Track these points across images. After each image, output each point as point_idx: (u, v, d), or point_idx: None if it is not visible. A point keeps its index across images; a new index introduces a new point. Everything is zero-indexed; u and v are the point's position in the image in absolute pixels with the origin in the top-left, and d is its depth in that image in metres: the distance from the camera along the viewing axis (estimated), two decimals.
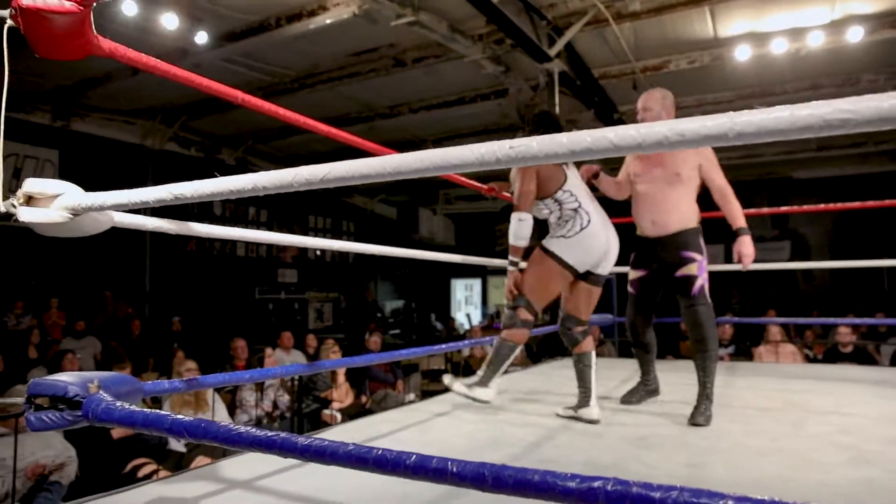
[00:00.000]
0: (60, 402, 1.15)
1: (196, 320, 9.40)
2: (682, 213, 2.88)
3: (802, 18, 6.31)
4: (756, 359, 6.55)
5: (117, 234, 1.89)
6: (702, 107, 8.48)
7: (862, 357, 6.57)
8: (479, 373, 2.97)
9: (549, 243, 2.87)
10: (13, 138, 8.20)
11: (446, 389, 3.15)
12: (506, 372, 3.04)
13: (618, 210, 3.34)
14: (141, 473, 3.45)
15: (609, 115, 8.40)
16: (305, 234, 12.62)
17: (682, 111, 8.42)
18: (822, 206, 5.36)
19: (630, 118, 8.85)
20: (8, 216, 1.23)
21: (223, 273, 10.95)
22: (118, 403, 1.13)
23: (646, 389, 3.25)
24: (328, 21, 5.93)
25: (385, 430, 2.73)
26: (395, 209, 14.82)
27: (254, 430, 0.95)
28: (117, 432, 3.76)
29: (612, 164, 4.36)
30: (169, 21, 5.64)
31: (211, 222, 2.11)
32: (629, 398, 3.21)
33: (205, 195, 1.06)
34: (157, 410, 1.09)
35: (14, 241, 7.84)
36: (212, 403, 4.16)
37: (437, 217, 14.75)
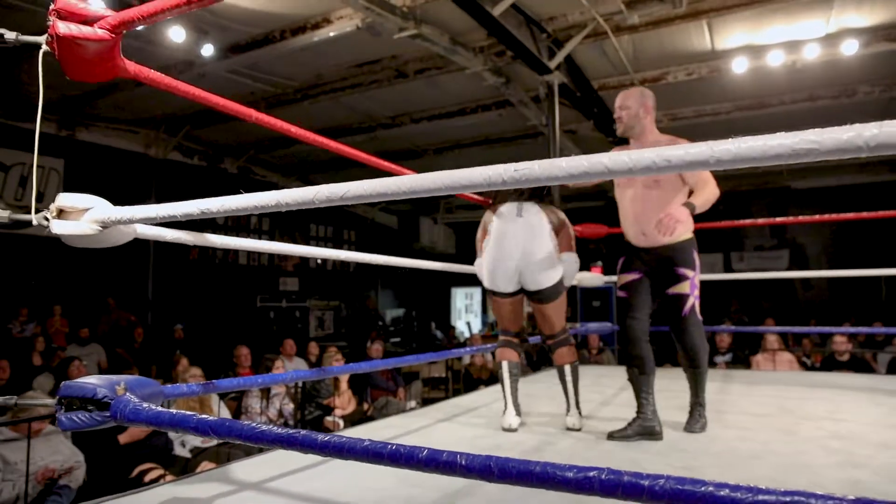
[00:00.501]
0: (90, 403, 1.23)
1: (198, 328, 9.46)
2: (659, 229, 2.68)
3: (798, 31, 6.41)
4: (753, 367, 6.61)
5: None
6: (700, 118, 8.58)
7: (858, 365, 6.63)
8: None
9: None
10: (20, 147, 8.29)
11: (446, 397, 3.24)
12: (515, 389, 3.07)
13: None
14: (147, 478, 3.51)
15: (608, 125, 8.49)
16: (307, 242, 12.70)
17: (680, 122, 8.54)
18: (819, 217, 5.43)
19: None
20: (40, 228, 1.31)
21: (225, 281, 11.02)
22: (144, 404, 1.20)
23: (642, 425, 2.69)
24: (332, 34, 6.03)
25: (387, 435, 2.80)
26: (396, 218, 14.90)
27: (275, 428, 1.02)
28: (124, 437, 3.83)
29: None
30: (176, 34, 5.74)
31: (213, 230, 2.19)
32: (622, 433, 2.69)
33: (230, 210, 1.14)
34: (182, 411, 1.16)
35: (17, 249, 7.92)
36: (217, 410, 4.22)
37: (438, 226, 14.84)
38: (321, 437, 0.95)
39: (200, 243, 1.66)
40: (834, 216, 5.16)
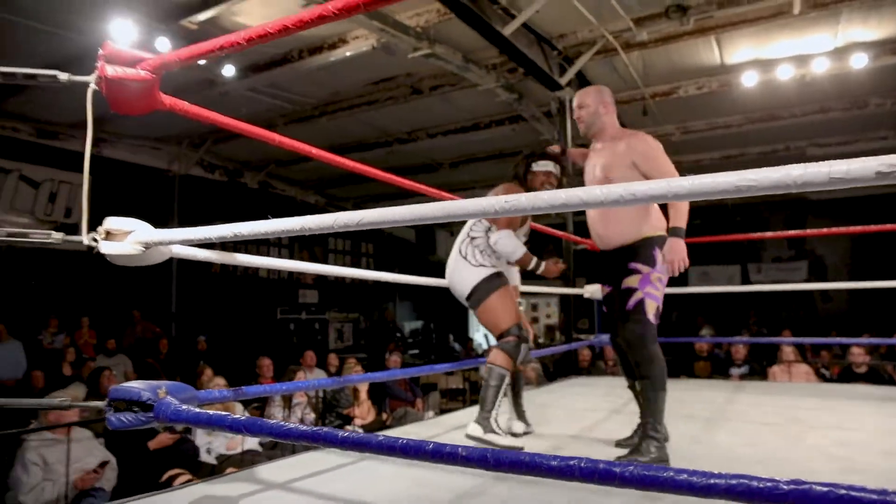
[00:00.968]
0: (135, 405, 1.37)
1: (220, 340, 9.67)
2: (625, 224, 2.53)
3: (806, 46, 6.48)
4: (770, 378, 6.64)
5: None
6: (713, 130, 8.65)
7: (877, 377, 6.62)
8: None
9: None
10: (50, 164, 8.60)
11: (464, 408, 3.32)
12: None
13: None
14: (176, 482, 3.67)
15: None
16: (326, 255, 12.90)
17: (693, 135, 8.62)
18: (838, 229, 5.45)
19: None
20: (90, 248, 1.47)
21: (246, 294, 11.24)
22: (184, 406, 1.34)
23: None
24: (348, 53, 6.23)
25: None
26: (414, 231, 15.06)
27: (299, 426, 1.15)
28: (153, 444, 3.99)
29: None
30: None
31: (235, 246, 2.33)
32: (629, 441, 2.71)
33: (259, 234, 1.28)
34: (223, 413, 1.30)
35: (46, 262, 8.17)
36: (242, 416, 4.37)
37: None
38: (340, 433, 1.08)
39: (229, 262, 1.80)
40: (853, 228, 5.19)
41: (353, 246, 13.88)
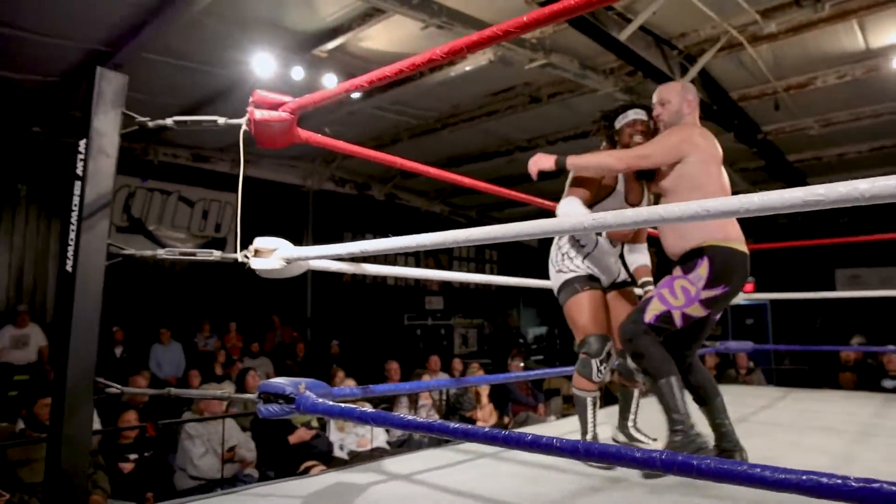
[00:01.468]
0: (280, 397, 1.60)
1: (352, 344, 10.24)
2: (676, 236, 2.35)
3: None
4: None
5: None
6: (859, 121, 7.98)
7: None
8: None
9: None
10: (202, 185, 9.59)
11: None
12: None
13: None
14: (312, 472, 4.02)
15: (752, 136, 8.18)
16: (450, 262, 13.25)
17: (835, 127, 8.03)
18: None
19: (774, 138, 8.54)
20: (243, 264, 1.73)
21: (375, 301, 11.82)
22: (320, 400, 1.55)
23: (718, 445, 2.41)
24: (467, 68, 6.45)
25: None
26: (537, 238, 15.06)
27: (417, 418, 1.31)
28: (293, 438, 4.39)
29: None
30: (329, 80, 6.44)
31: (364, 256, 2.52)
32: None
33: (381, 250, 1.47)
34: (351, 405, 1.49)
35: (200, 273, 9.08)
36: None
37: None
38: (452, 425, 1.23)
39: (359, 272, 2.02)
40: None
41: (478, 252, 14.14)
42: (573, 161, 2.36)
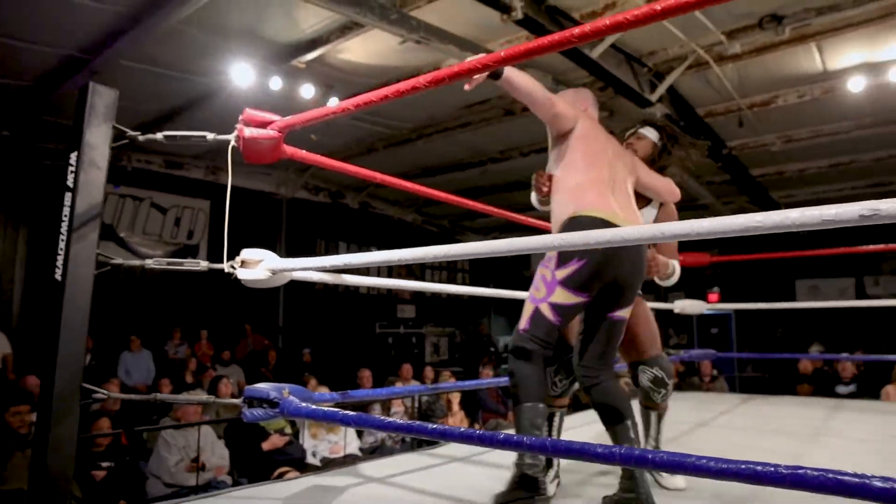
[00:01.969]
0: (265, 402, 1.68)
1: (324, 352, 10.25)
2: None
3: None
4: (883, 398, 6.30)
5: None
6: (818, 138, 8.31)
7: None
8: None
9: None
10: (175, 191, 9.54)
11: None
12: None
13: None
14: (286, 478, 4.06)
15: (718, 151, 8.45)
16: (423, 271, 13.34)
17: (796, 144, 8.31)
18: None
19: (739, 153, 8.83)
20: (194, 263, 1.81)
21: (347, 309, 11.84)
22: (303, 404, 1.64)
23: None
24: None
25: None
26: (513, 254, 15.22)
27: (396, 419, 1.40)
28: (266, 445, 4.42)
29: None
30: (306, 90, 6.51)
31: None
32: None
33: (365, 263, 1.56)
34: (334, 409, 1.58)
35: (169, 282, 9.01)
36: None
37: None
38: (430, 425, 1.32)
39: (338, 282, 2.11)
40: None
41: (450, 262, 14.26)
42: (511, 73, 2.12)
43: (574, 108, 2.25)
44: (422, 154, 9.33)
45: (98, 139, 1.87)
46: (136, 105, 6.90)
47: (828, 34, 5.86)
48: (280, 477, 4.06)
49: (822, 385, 6.88)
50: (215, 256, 1.86)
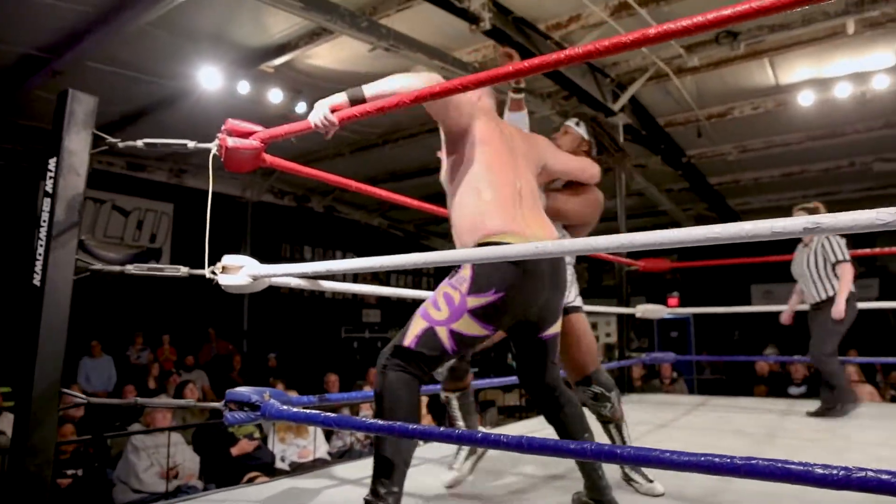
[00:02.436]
0: (246, 405, 1.73)
1: (289, 357, 10.19)
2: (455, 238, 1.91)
3: (865, 63, 6.48)
4: None
5: None
6: (770, 148, 8.65)
7: None
8: None
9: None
10: (137, 194, 9.38)
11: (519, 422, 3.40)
12: None
13: None
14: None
15: (677, 159, 8.71)
16: (388, 276, 13.36)
17: (750, 154, 8.61)
18: None
19: (697, 161, 9.12)
20: (210, 280, 1.84)
21: (312, 314, 11.78)
22: (284, 407, 1.68)
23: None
24: None
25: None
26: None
27: (378, 421, 1.47)
28: (235, 450, 4.42)
29: None
30: (274, 95, 6.51)
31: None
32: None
33: (347, 269, 1.62)
34: (315, 411, 1.63)
35: (129, 284, 8.86)
36: (313, 429, 4.76)
37: None
38: (410, 426, 1.39)
39: (314, 287, 2.15)
40: None
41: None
42: (371, 90, 1.89)
43: (468, 103, 1.92)
44: (388, 159, 9.38)
45: (78, 145, 1.89)
46: (100, 107, 6.78)
47: (780, 50, 6.15)
48: (251, 482, 4.06)
49: (777, 386, 7.14)
50: (179, 259, 1.89)
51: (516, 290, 1.68)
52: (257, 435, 4.67)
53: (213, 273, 1.84)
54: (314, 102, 1.90)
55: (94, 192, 8.85)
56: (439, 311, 1.69)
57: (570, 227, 2.44)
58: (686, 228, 1.09)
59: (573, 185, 2.42)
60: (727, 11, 1.13)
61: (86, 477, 3.98)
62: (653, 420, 4.13)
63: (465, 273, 1.69)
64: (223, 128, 1.79)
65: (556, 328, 1.88)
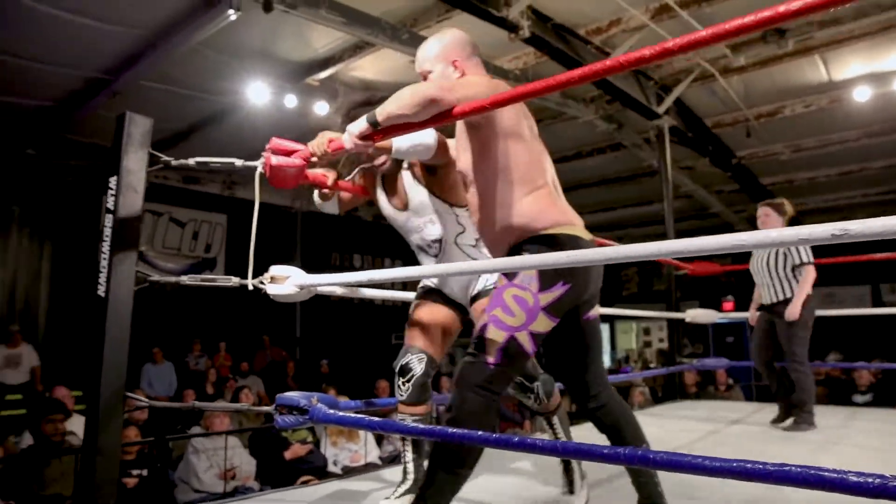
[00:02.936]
0: (295, 409, 1.80)
1: (341, 363, 10.37)
2: (489, 232, 1.83)
3: None
4: None
5: None
6: (825, 147, 8.38)
7: None
8: None
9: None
10: (192, 206, 9.74)
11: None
12: None
13: None
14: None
15: (727, 160, 8.53)
16: None
17: (804, 153, 8.36)
18: None
19: (748, 162, 8.90)
20: (258, 290, 1.93)
21: (363, 321, 11.96)
22: (331, 411, 1.76)
23: None
24: None
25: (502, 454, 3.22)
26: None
27: (420, 424, 1.52)
28: (289, 454, 4.55)
29: None
30: (320, 108, 6.68)
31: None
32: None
33: (387, 279, 1.68)
34: (359, 415, 1.69)
35: (189, 295, 9.18)
36: (364, 434, 4.87)
37: None
38: (450, 430, 1.44)
39: (357, 296, 2.23)
40: None
41: None
42: (383, 112, 1.74)
43: (478, 80, 1.76)
44: None
45: (135, 164, 2.01)
46: (155, 124, 7.08)
47: (831, 46, 5.97)
48: (304, 484, 4.19)
49: (838, 393, 6.89)
50: (233, 269, 1.99)
51: (578, 276, 1.67)
52: (310, 439, 4.80)
53: (262, 283, 1.93)
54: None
55: (152, 204, 9.22)
56: (514, 317, 1.63)
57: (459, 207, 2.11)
58: (710, 237, 1.11)
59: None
60: (781, 9, 1.08)
61: (150, 477, 4.17)
62: (704, 427, 4.06)
63: (529, 272, 1.64)
64: (267, 146, 1.88)
65: (596, 310, 1.84)
